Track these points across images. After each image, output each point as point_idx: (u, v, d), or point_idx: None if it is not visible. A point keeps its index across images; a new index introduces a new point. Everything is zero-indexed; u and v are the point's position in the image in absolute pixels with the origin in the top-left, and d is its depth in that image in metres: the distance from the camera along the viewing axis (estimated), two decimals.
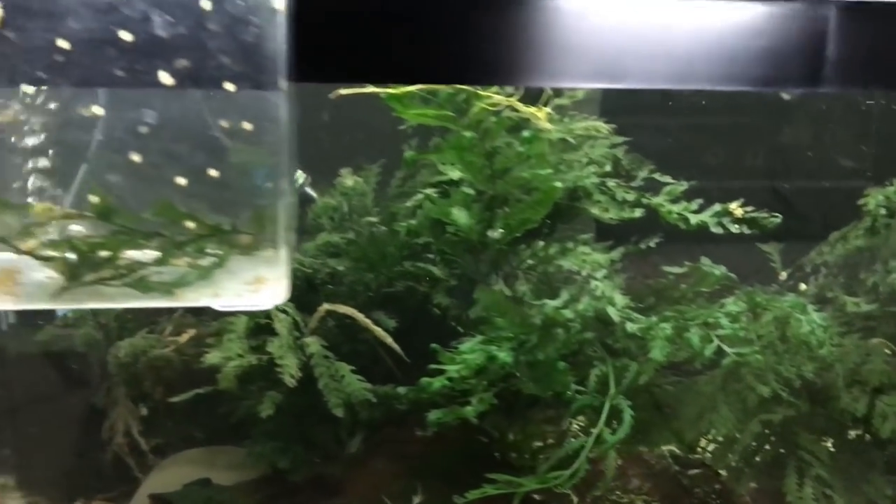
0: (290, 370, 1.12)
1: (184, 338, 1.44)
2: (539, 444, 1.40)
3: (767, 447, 1.26)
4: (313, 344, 1.23)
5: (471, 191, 1.12)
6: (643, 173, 1.31)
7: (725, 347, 1.12)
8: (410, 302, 1.39)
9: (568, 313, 1.01)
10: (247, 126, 0.63)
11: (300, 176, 1.45)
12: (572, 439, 1.43)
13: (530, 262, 1.23)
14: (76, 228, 0.74)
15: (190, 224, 0.72)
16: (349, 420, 1.32)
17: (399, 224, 1.26)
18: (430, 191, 1.28)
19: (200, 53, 0.60)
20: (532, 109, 0.94)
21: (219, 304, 0.68)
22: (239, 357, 1.18)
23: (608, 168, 1.29)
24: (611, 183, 1.30)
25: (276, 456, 1.35)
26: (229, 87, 0.62)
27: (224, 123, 0.64)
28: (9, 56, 0.58)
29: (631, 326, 1.16)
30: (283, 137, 0.63)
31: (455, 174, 1.22)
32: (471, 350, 1.07)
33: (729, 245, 1.30)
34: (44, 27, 0.58)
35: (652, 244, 1.20)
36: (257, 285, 0.70)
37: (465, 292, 1.37)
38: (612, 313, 1.16)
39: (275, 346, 1.14)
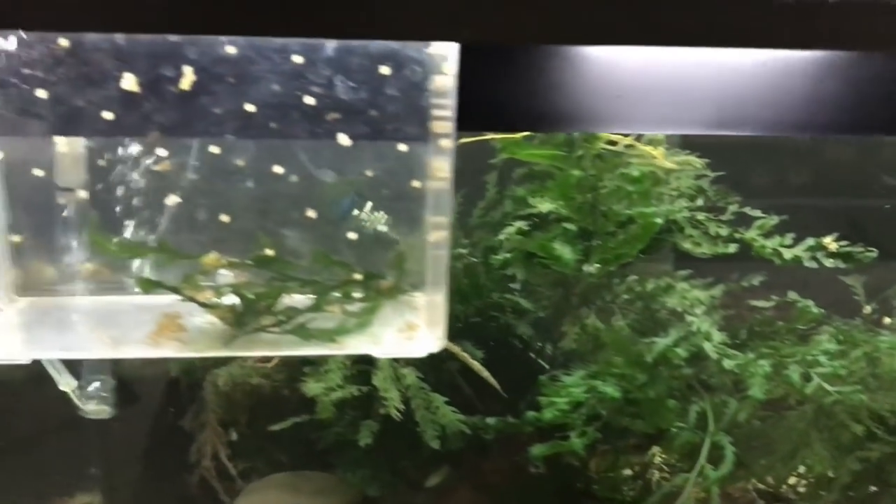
0: (394, 403, 1.14)
1: (271, 363, 1.47)
2: (623, 474, 1.41)
3: (862, 485, 1.26)
4: (409, 375, 1.25)
5: (572, 226, 1.14)
6: (732, 206, 1.32)
7: (826, 386, 1.13)
8: (492, 332, 1.41)
9: (681, 352, 1.03)
10: (416, 184, 0.66)
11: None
12: (655, 472, 1.45)
13: (625, 296, 1.24)
14: (225, 274, 0.77)
15: (343, 272, 0.75)
16: (434, 449, 1.34)
17: (494, 256, 1.28)
18: (519, 223, 1.30)
19: (377, 115, 0.63)
20: (649, 148, 0.96)
21: (378, 352, 0.70)
22: (339, 388, 1.20)
23: (700, 202, 1.30)
24: (700, 216, 1.31)
25: (366, 483, 1.37)
26: (402, 146, 0.65)
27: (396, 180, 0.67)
28: (197, 114, 0.61)
29: (728, 363, 1.17)
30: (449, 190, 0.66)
31: (545, 207, 1.24)
32: (575, 384, 1.08)
33: (808, 274, 1.30)
34: (232, 91, 0.61)
35: (755, 282, 1.21)
36: (410, 332, 0.72)
37: (548, 324, 1.39)
38: (710, 350, 1.17)
39: (379, 378, 1.16)
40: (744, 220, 1.29)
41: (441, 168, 0.68)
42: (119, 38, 0.59)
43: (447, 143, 0.66)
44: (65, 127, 0.61)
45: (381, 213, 0.75)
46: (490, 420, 1.31)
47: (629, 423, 1.11)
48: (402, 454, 1.39)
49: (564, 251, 1.08)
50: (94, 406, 0.97)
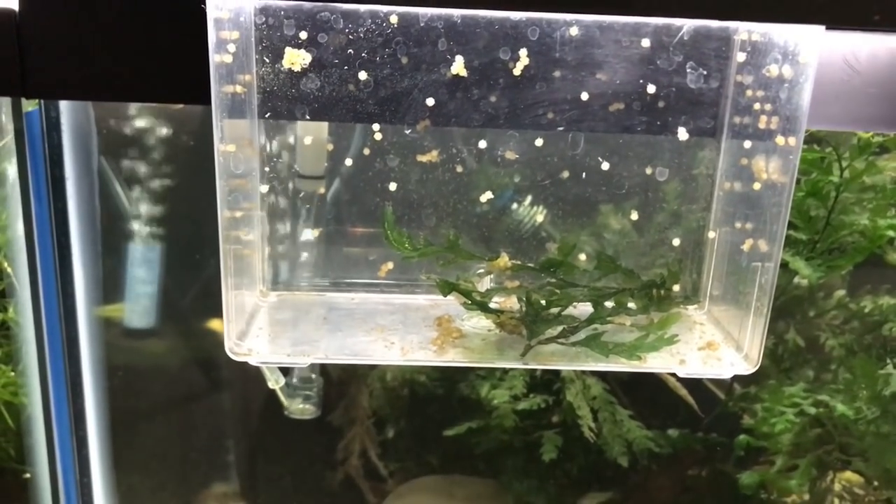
0: (587, 421, 1.07)
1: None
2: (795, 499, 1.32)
3: None
4: (595, 386, 1.18)
5: (801, 236, 1.05)
6: None
7: None
8: None
9: None
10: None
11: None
12: (836, 500, 1.35)
13: (834, 312, 1.15)
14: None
15: (627, 280, 0.68)
16: (604, 463, 1.27)
17: None
18: None
19: (725, 109, 0.56)
20: None
21: (683, 371, 0.63)
22: (525, 397, 1.14)
23: None
24: None
25: (532, 494, 1.31)
26: (748, 142, 0.57)
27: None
28: (534, 101, 0.55)
29: None
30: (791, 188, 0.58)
31: None
32: (801, 396, 1.00)
33: None
34: (570, 78, 0.55)
35: None
36: (710, 350, 0.65)
37: None
38: None
39: (571, 392, 1.09)
40: None
41: (763, 168, 0.61)
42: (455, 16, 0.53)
43: (781, 141, 0.58)
44: (382, 112, 0.55)
45: (540, 207, 0.68)
46: (672, 433, 1.24)
47: (846, 458, 1.02)
48: (571, 466, 1.33)
49: (799, 264, 0.99)
50: (300, 405, 0.92)
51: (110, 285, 1.21)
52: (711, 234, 0.67)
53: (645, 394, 1.27)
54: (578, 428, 1.19)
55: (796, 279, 1.12)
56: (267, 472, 1.61)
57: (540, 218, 0.66)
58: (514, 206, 0.68)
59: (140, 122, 1.14)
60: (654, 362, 0.63)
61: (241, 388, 1.56)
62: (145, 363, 1.34)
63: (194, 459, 1.54)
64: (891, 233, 1.06)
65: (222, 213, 0.59)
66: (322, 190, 0.72)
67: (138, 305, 1.27)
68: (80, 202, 0.89)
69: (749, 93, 0.57)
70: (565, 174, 0.65)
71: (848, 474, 1.24)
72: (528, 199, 0.65)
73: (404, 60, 0.54)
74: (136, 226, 1.21)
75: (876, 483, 1.10)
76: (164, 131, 1.15)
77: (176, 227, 1.23)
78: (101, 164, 1.14)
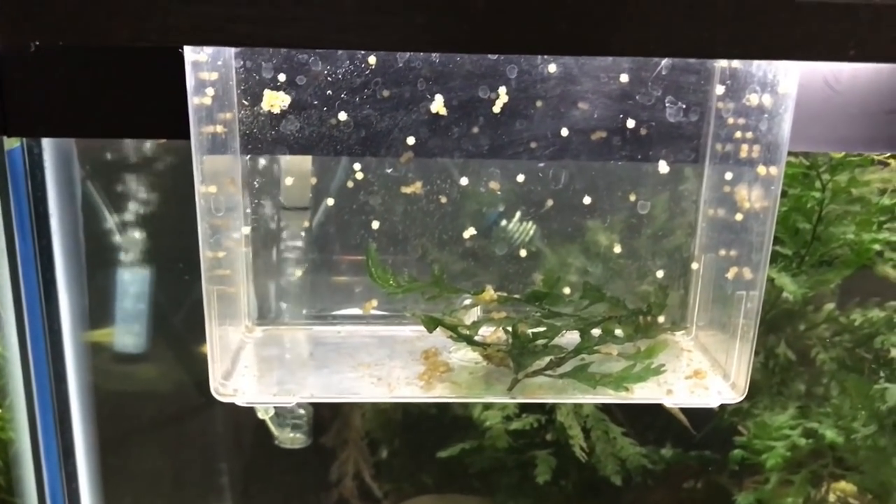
0: (579, 441, 1.07)
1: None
2: None
3: None
4: (588, 405, 1.17)
5: (787, 251, 1.05)
6: None
7: None
8: None
9: None
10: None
11: None
12: None
13: (824, 325, 1.15)
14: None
15: (613, 309, 0.68)
16: (599, 480, 1.27)
17: None
18: None
19: (707, 138, 0.56)
20: None
21: (671, 402, 0.63)
22: (517, 417, 1.13)
23: None
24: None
25: None
26: (728, 173, 0.58)
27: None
28: (514, 137, 0.55)
29: None
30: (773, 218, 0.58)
31: None
32: (789, 425, 1.00)
33: None
34: (549, 114, 0.55)
35: None
36: (697, 379, 0.65)
37: None
38: None
39: (562, 412, 1.09)
40: None
41: (747, 197, 0.61)
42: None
43: (762, 170, 0.59)
44: (361, 150, 0.55)
45: (529, 223, 0.68)
46: (665, 452, 1.24)
47: (840, 472, 1.02)
48: (567, 484, 1.32)
49: (785, 280, 1.00)
50: (290, 434, 0.91)
51: (101, 310, 1.21)
52: (695, 266, 0.67)
53: (638, 409, 1.27)
54: (571, 446, 1.19)
55: (785, 293, 1.12)
56: (261, 497, 1.60)
57: (524, 252, 0.66)
58: (502, 235, 0.68)
59: (128, 148, 1.14)
60: (642, 393, 0.63)
61: (234, 411, 1.55)
62: (135, 388, 1.33)
63: (187, 486, 1.53)
64: (876, 246, 1.06)
65: (204, 254, 0.58)
66: (307, 222, 0.72)
67: (128, 330, 1.26)
68: (65, 237, 0.89)
69: (730, 122, 0.57)
70: (550, 204, 0.65)
71: (843, 484, 1.24)
72: (515, 227, 0.65)
73: (383, 100, 0.54)
74: (124, 250, 1.20)
75: (871, 497, 1.10)
76: (151, 155, 1.15)
77: (165, 250, 1.23)
78: (87, 189, 1.13)
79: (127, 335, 1.27)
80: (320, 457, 1.52)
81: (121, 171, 1.17)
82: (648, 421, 1.27)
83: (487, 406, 1.20)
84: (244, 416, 1.44)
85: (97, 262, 1.18)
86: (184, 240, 1.23)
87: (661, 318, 0.69)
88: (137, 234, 1.21)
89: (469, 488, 1.42)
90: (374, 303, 0.66)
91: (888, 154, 0.89)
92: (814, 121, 0.66)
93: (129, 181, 1.17)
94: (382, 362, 0.67)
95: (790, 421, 1.02)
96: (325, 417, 1.54)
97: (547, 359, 0.64)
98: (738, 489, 1.11)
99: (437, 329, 0.64)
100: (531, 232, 0.67)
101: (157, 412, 1.37)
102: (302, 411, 0.92)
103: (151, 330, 1.28)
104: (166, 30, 0.49)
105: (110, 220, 1.16)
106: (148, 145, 1.16)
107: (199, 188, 0.56)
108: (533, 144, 0.55)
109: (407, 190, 0.65)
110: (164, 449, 1.41)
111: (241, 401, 0.61)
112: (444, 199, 0.66)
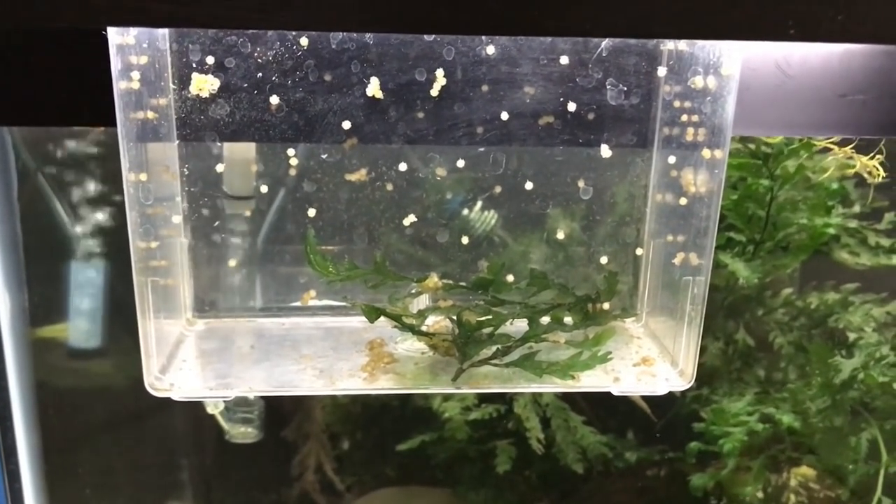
0: (536, 433, 1.06)
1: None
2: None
3: None
4: (547, 394, 1.17)
5: (742, 237, 1.05)
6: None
7: None
8: None
9: (875, 376, 0.94)
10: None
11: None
12: (791, 496, 1.36)
13: (782, 310, 1.15)
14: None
15: (560, 296, 0.67)
16: (561, 470, 1.27)
17: None
18: None
19: (649, 123, 0.55)
20: (864, 159, 0.87)
21: (617, 390, 0.62)
22: (476, 408, 1.12)
23: (857, 208, 1.20)
24: (853, 224, 1.22)
25: (489, 503, 1.30)
26: (672, 157, 0.57)
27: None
28: (453, 121, 0.53)
29: None
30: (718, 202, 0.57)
31: None
32: (746, 411, 1.00)
33: None
34: (488, 97, 0.53)
35: None
36: (645, 366, 0.64)
37: None
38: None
39: (520, 404, 1.08)
40: None
41: (692, 181, 0.60)
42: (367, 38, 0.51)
43: (707, 154, 0.58)
44: (297, 135, 0.53)
45: (492, 212, 0.67)
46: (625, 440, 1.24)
47: (797, 456, 1.03)
48: (530, 474, 1.32)
49: (740, 267, 0.99)
50: (241, 429, 0.89)
51: (54, 306, 1.18)
52: (640, 251, 0.66)
53: (600, 396, 1.27)
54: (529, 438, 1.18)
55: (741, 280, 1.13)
56: (221, 492, 1.58)
57: (465, 240, 0.64)
58: (448, 222, 0.66)
59: (83, 138, 1.11)
60: (589, 381, 0.62)
61: (192, 406, 1.52)
62: (88, 385, 1.30)
63: (144, 484, 1.50)
64: (830, 231, 1.06)
65: (135, 244, 0.56)
66: (249, 212, 0.70)
67: (82, 325, 1.23)
68: (3, 231, 0.86)
69: (675, 105, 0.56)
70: (496, 190, 0.64)
71: (804, 469, 1.25)
72: (466, 214, 0.63)
73: (317, 83, 0.52)
74: (77, 243, 1.17)
75: (830, 481, 1.10)
76: (107, 143, 1.12)
77: (119, 243, 1.20)
78: (39, 183, 1.10)
79: (80, 330, 1.24)
80: (281, 451, 1.50)
81: (75, 162, 1.14)
82: (611, 408, 1.27)
83: (446, 397, 1.19)
84: (202, 411, 1.41)
85: (49, 255, 1.15)
86: None
87: (608, 305, 0.68)
88: (91, 227, 1.18)
89: (431, 480, 1.41)
90: (313, 293, 0.65)
91: (834, 139, 0.89)
92: (767, 105, 0.65)
93: (83, 173, 1.15)
94: (326, 354, 0.65)
95: (747, 407, 1.02)
96: (286, 411, 1.52)
97: (493, 348, 0.63)
98: (697, 467, 1.11)
99: (384, 319, 0.63)
100: (483, 220, 0.66)
101: (111, 409, 1.34)
102: (252, 404, 0.90)
103: (106, 325, 1.25)
104: (84, 9, 0.47)
105: (62, 213, 1.13)
106: (104, 135, 1.13)
107: (128, 176, 0.54)
108: (474, 128, 0.54)
109: (351, 177, 0.64)
110: (120, 446, 1.39)
111: (177, 395, 0.59)
112: (389, 187, 0.64)
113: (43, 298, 1.16)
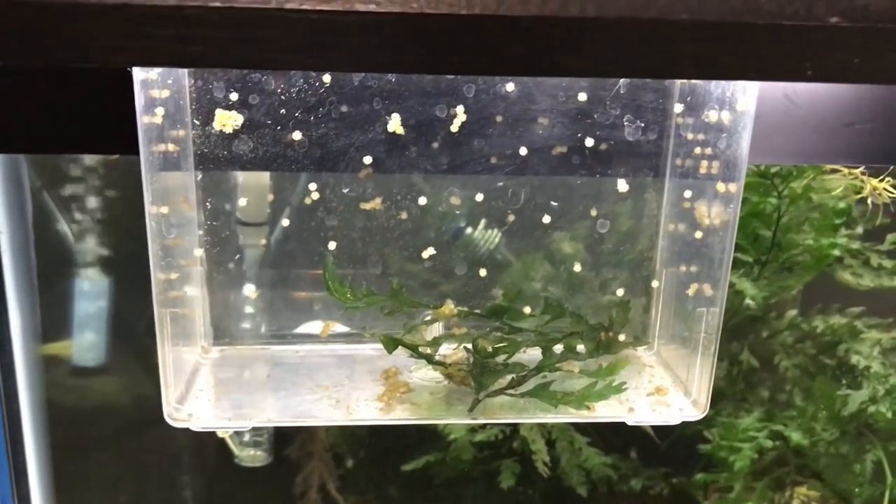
0: (542, 456, 1.07)
1: None
2: None
3: None
4: None
5: (748, 258, 1.06)
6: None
7: None
8: None
9: (884, 412, 0.94)
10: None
11: None
12: None
13: (787, 332, 1.16)
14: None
15: (575, 325, 0.67)
16: (565, 489, 1.27)
17: None
18: None
19: (664, 157, 0.56)
20: (874, 181, 0.88)
21: (632, 420, 0.63)
22: (482, 429, 1.13)
23: (860, 230, 1.21)
24: (855, 245, 1.23)
25: None
26: (687, 190, 0.57)
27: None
28: (472, 156, 0.54)
29: None
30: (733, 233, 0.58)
31: None
32: (756, 427, 1.00)
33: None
34: (504, 133, 0.54)
35: None
36: (659, 396, 0.65)
37: None
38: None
39: (525, 425, 1.09)
40: None
41: (706, 213, 0.60)
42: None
43: (721, 187, 0.58)
44: (319, 169, 0.54)
45: (494, 231, 0.68)
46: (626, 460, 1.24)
47: (802, 480, 1.03)
48: (533, 493, 1.32)
49: (745, 285, 1.00)
50: (251, 452, 0.90)
51: (58, 323, 1.18)
52: (655, 283, 0.67)
53: None
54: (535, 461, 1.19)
55: (747, 300, 1.13)
56: None
57: (483, 271, 0.65)
58: (463, 252, 0.67)
59: (87, 158, 1.12)
60: (603, 411, 0.62)
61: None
62: (93, 402, 1.30)
63: (148, 502, 1.50)
64: (835, 252, 1.07)
65: (156, 276, 0.57)
66: (264, 240, 0.71)
67: (86, 343, 1.23)
68: (15, 253, 0.87)
69: (689, 139, 0.57)
70: (511, 220, 0.64)
71: (805, 489, 1.26)
72: (479, 239, 0.64)
73: (339, 119, 0.53)
74: (81, 261, 1.18)
75: (832, 502, 1.11)
76: (111, 163, 1.13)
77: (124, 260, 1.20)
78: (44, 201, 1.10)
79: (84, 348, 1.24)
80: (284, 469, 1.50)
81: (79, 180, 1.14)
82: (615, 427, 1.28)
83: None
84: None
85: (54, 274, 1.15)
86: (143, 249, 1.21)
87: (622, 335, 0.69)
88: (95, 245, 1.18)
89: (435, 499, 1.41)
90: (332, 325, 0.65)
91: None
92: (774, 133, 0.66)
93: (88, 191, 1.15)
94: (342, 383, 0.66)
95: (756, 423, 1.02)
96: (290, 430, 1.52)
97: (508, 377, 0.64)
98: (704, 496, 1.11)
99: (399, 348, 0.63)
100: (494, 244, 0.67)
101: (117, 427, 1.34)
102: (262, 428, 0.90)
103: (110, 342, 1.25)
104: (113, 51, 0.47)
105: (67, 232, 1.13)
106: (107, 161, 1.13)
107: (150, 209, 0.55)
108: (492, 163, 0.55)
109: (366, 206, 0.64)
110: (126, 465, 1.38)
111: (195, 426, 0.59)
112: (404, 216, 0.65)
113: (45, 316, 1.16)
